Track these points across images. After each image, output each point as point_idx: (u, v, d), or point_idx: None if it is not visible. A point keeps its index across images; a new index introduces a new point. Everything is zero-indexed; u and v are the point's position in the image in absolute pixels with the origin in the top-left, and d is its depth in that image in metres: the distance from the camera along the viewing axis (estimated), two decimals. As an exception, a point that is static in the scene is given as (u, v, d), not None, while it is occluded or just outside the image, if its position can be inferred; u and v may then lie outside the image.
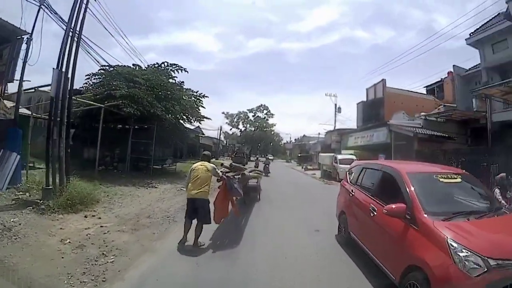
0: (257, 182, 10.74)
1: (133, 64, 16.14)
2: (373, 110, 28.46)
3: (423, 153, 15.59)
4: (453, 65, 22.32)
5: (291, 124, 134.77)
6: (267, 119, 63.75)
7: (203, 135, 49.49)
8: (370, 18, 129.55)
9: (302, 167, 35.52)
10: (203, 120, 18.67)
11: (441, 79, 29.51)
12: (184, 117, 17.13)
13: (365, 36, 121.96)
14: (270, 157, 51.97)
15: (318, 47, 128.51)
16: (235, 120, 62.68)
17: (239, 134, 64.99)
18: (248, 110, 63.62)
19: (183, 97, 17.08)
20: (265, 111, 63.86)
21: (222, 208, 5.97)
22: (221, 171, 6.40)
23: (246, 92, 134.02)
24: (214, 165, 5.59)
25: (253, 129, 62.91)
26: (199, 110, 17.98)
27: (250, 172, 9.63)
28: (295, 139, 77.62)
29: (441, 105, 21.30)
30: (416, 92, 30.09)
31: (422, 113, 21.41)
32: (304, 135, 65.94)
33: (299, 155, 53.90)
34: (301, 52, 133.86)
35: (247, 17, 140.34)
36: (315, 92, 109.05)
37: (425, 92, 30.97)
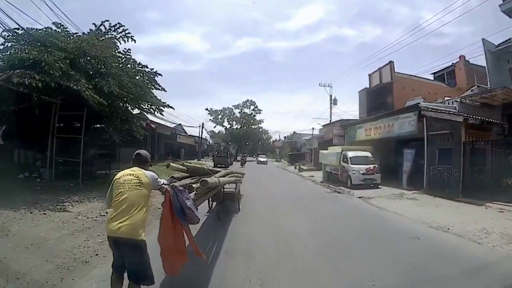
0: (235, 188, 8.30)
1: (55, 23, 10.94)
2: (379, 98, 24.27)
3: (475, 146, 11.13)
4: (482, 39, 18.00)
5: (279, 123, 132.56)
6: (254, 115, 58.88)
7: (183, 134, 44.28)
8: (357, 16, 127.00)
9: (295, 167, 30.84)
10: (162, 110, 13.71)
11: (452, 63, 25.88)
12: (129, 100, 12.14)
13: (353, 34, 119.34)
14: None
15: (305, 46, 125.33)
16: (220, 117, 57.40)
17: (224, 132, 59.75)
18: (233, 106, 58.68)
19: (136, 76, 12.26)
20: (252, 107, 59.13)
21: (173, 248, 3.19)
22: (169, 178, 3.82)
23: (234, 91, 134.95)
24: (154, 173, 3.24)
25: (239, 126, 57.75)
26: (152, 92, 13.05)
27: (225, 176, 6.51)
28: (285, 137, 73.16)
29: (474, 85, 17.04)
30: (426, 79, 26.31)
31: (447, 98, 17.22)
32: (294, 132, 61.53)
33: (290, 153, 49.60)
34: (288, 50, 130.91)
35: (234, 16, 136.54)
36: (303, 89, 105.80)
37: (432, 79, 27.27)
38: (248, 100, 59.22)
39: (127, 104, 12.42)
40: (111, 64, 10.96)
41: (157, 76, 12.90)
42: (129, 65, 12.40)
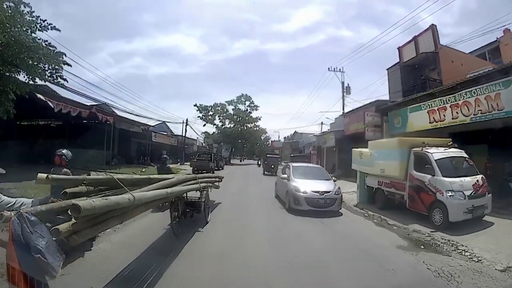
0: (200, 198, 6.62)
1: None
2: (419, 74, 17.68)
3: None
4: None
5: (277, 125, 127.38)
6: (250, 112, 51.38)
7: (164, 132, 37.02)
8: (354, 17, 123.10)
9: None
10: (60, 73, 7.39)
11: (497, 38, 20.15)
12: None
13: (350, 35, 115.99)
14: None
15: (303, 47, 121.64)
16: (211, 114, 49.86)
17: (216, 132, 52.38)
18: (226, 102, 51.03)
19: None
20: (247, 102, 51.52)
21: None
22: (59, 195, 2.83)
23: (231, 93, 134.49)
24: None
25: (232, 125, 50.21)
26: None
27: (177, 184, 5.18)
28: (285, 137, 66.16)
29: None
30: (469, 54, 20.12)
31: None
32: (295, 132, 54.80)
33: (292, 155, 42.78)
34: (286, 52, 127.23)
35: (231, 18, 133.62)
36: (301, 91, 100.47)
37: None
38: (243, 94, 51.30)
39: None
40: None
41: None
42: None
